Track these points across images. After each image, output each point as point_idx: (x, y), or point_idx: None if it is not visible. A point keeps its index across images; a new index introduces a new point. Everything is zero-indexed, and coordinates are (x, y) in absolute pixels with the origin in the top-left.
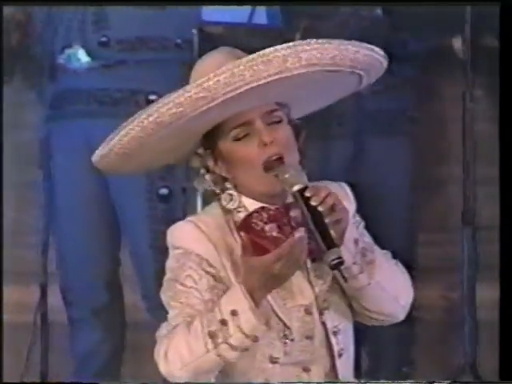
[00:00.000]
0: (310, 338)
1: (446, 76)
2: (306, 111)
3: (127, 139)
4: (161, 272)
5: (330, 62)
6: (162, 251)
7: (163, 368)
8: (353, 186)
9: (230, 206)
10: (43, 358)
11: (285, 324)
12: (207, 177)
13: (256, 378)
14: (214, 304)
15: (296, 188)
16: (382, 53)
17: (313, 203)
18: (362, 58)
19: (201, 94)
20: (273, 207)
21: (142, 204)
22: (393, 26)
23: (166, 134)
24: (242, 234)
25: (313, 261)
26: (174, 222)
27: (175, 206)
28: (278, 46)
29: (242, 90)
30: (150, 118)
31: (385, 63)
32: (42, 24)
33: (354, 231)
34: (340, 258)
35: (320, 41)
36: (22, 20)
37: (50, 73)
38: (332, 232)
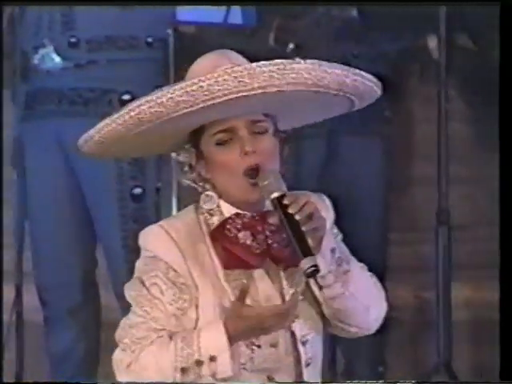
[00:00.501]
0: (274, 346)
1: (420, 76)
2: (295, 124)
3: (107, 130)
4: (133, 272)
5: (317, 83)
6: (134, 251)
7: (121, 377)
8: (327, 186)
9: (207, 206)
10: (18, 358)
11: None
12: (189, 174)
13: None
14: (188, 331)
15: (275, 195)
16: (373, 79)
17: (290, 211)
18: (351, 83)
19: (183, 98)
20: (248, 214)
21: (113, 203)
22: (366, 26)
23: (147, 130)
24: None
25: (285, 268)
26: (146, 221)
27: (148, 206)
28: (267, 62)
29: (221, 99)
30: (132, 113)
31: (378, 90)
32: (13, 23)
33: (332, 241)
34: (316, 266)
35: (309, 61)
36: None
37: (22, 72)
38: (309, 240)
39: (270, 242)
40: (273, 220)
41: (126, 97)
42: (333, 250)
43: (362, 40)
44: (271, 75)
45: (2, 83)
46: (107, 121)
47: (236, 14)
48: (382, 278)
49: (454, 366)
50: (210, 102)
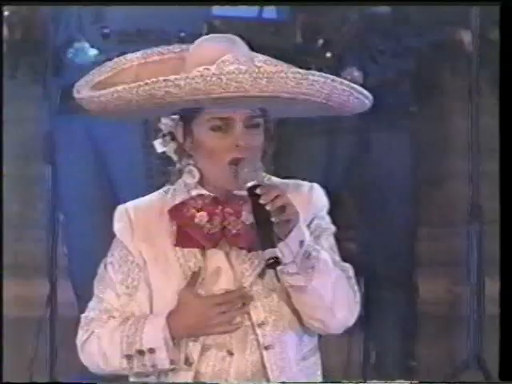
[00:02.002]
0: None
1: (451, 70)
2: (285, 115)
3: (116, 96)
4: None
5: (326, 97)
6: None
7: (80, 355)
8: (357, 182)
9: (189, 181)
10: (52, 354)
11: None
12: (171, 144)
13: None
14: (138, 318)
15: (249, 184)
16: (368, 96)
17: (261, 201)
18: (352, 102)
19: (200, 86)
20: (211, 195)
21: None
22: (395, 20)
23: (151, 103)
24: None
25: (249, 251)
26: None
27: None
28: (286, 67)
29: (235, 94)
30: (146, 87)
31: (367, 104)
32: (46, 18)
33: (303, 234)
34: (277, 258)
35: (324, 75)
36: (26, 14)
37: (55, 67)
38: (277, 231)
39: (225, 224)
40: (244, 208)
41: None
42: (301, 243)
43: (390, 35)
44: (286, 82)
45: (2, 83)
46: (119, 88)
47: (270, 10)
48: (412, 273)
49: (486, 361)
50: (223, 95)
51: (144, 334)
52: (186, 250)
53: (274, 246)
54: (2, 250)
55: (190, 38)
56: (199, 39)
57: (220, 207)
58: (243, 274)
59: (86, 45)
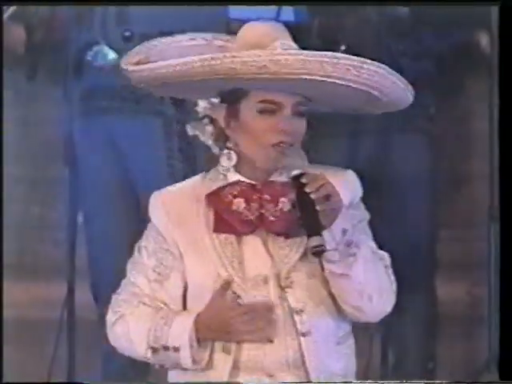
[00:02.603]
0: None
1: (470, 72)
2: (328, 109)
3: (173, 70)
4: None
5: (377, 88)
6: None
7: (108, 335)
8: (376, 183)
9: (226, 164)
10: (70, 355)
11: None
12: (208, 128)
13: None
14: (169, 313)
15: (295, 173)
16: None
17: (307, 190)
18: (404, 96)
19: (254, 65)
20: (248, 181)
21: None
22: (413, 23)
23: (202, 80)
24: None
25: (286, 238)
26: None
27: None
28: (340, 55)
29: (289, 77)
30: (206, 62)
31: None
32: (67, 19)
33: (345, 222)
34: (322, 245)
35: (381, 66)
36: (46, 16)
37: (75, 69)
38: (321, 220)
39: (263, 211)
40: (282, 194)
41: None
42: (344, 231)
43: (410, 37)
44: (348, 69)
45: (2, 83)
46: (183, 60)
47: (287, 11)
48: (432, 275)
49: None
50: (289, 77)
51: (171, 331)
52: (222, 236)
53: (319, 233)
54: (3, 250)
55: None
56: (245, 25)
57: (257, 194)
58: (282, 261)
59: (106, 47)
